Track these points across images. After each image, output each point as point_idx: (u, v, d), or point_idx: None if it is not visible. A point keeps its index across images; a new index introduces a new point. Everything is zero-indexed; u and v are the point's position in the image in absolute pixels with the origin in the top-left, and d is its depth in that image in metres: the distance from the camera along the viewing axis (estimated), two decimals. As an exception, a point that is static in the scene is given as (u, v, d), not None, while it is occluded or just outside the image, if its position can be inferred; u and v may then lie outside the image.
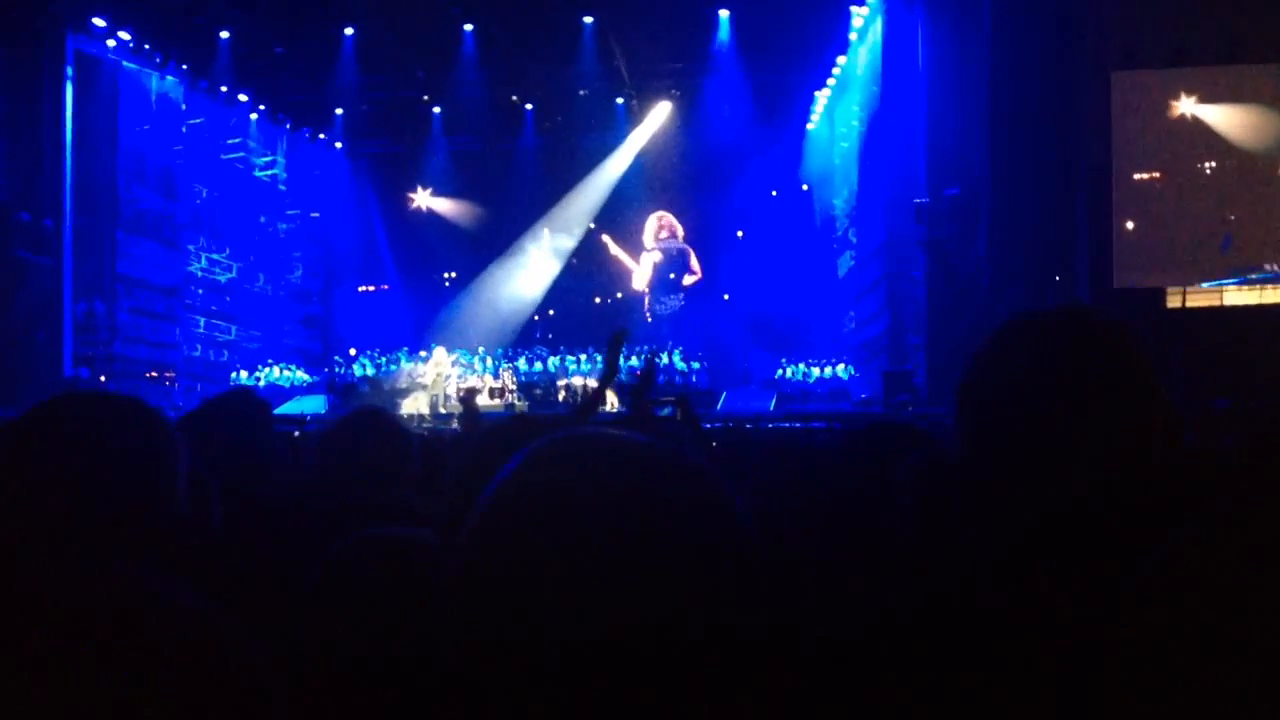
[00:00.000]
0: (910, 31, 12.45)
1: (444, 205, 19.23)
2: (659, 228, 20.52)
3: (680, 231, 20.40)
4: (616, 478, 0.82)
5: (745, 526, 0.84)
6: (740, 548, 0.82)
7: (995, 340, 1.22)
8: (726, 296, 19.13)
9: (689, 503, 0.81)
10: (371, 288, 19.05)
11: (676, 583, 0.78)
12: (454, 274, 19.43)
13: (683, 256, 20.42)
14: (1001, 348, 1.20)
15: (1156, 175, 11.47)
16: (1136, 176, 11.48)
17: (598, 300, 19.95)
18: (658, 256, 20.71)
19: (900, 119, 12.65)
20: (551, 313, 19.04)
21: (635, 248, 20.20)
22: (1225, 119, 11.36)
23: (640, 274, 20.50)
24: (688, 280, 20.42)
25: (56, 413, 1.32)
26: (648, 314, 19.98)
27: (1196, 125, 11.42)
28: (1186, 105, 11.39)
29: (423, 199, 19.20)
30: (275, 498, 2.13)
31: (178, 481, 1.33)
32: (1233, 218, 11.17)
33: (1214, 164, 11.34)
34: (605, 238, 19.99)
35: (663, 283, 20.68)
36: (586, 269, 19.57)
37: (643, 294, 20.35)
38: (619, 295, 20.22)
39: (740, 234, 18.89)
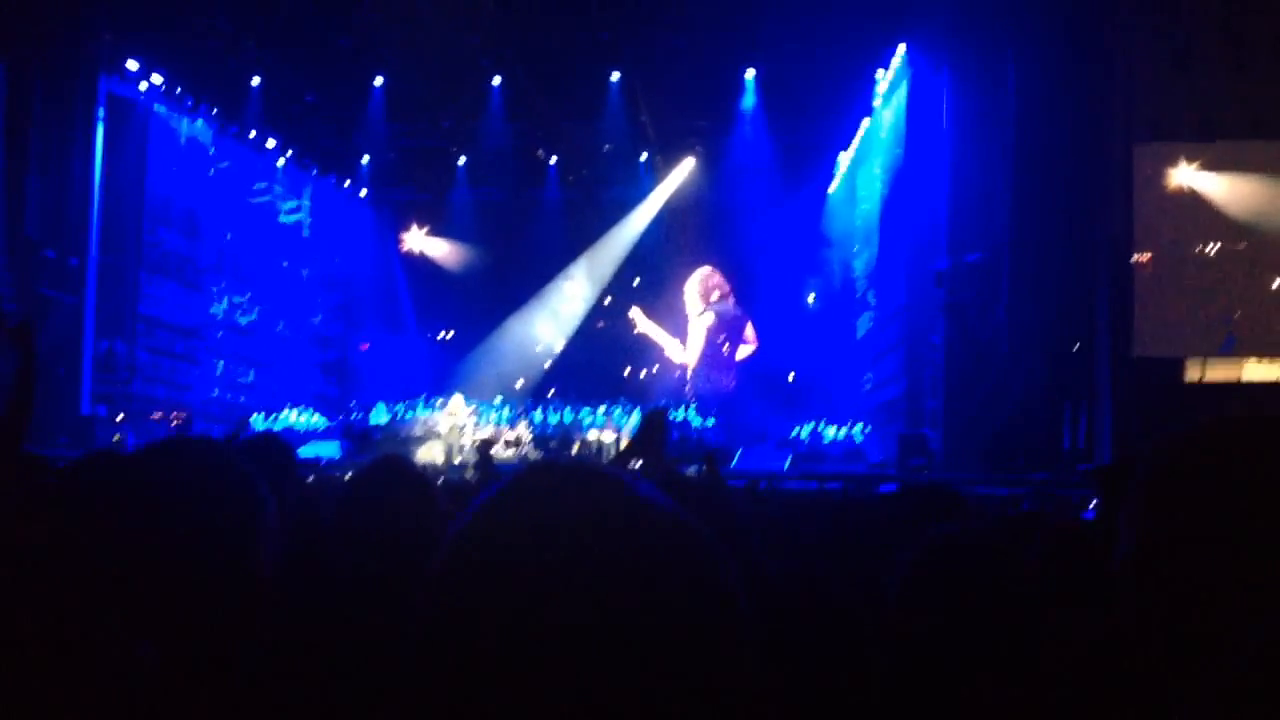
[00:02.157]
0: (935, 96, 12.53)
1: (439, 248, 19.29)
2: (709, 286, 18.28)
3: (729, 291, 18.30)
4: (589, 517, 0.80)
5: (728, 577, 0.82)
6: (722, 599, 0.80)
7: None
8: (792, 376, 17.65)
9: (665, 545, 0.80)
10: (365, 345, 19.10)
11: (647, 631, 0.76)
12: (451, 332, 19.07)
13: (738, 322, 18.21)
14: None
15: (1177, 247, 11.46)
16: (1157, 248, 11.46)
17: (627, 372, 18.40)
18: (710, 319, 18.12)
19: (923, 183, 12.70)
20: (570, 365, 18.87)
21: (666, 314, 18.42)
22: (1242, 194, 11.38)
23: (691, 342, 18.02)
24: (742, 352, 18.11)
25: (166, 459, 1.32)
26: (689, 393, 17.52)
27: (1216, 200, 11.43)
28: (1207, 179, 11.40)
29: (416, 240, 19.27)
30: (298, 544, 2.13)
31: (267, 538, 1.32)
32: (1237, 315, 11.13)
33: (1222, 243, 11.35)
34: (635, 312, 18.24)
35: (714, 355, 18.04)
36: (612, 326, 18.95)
37: (684, 369, 18.04)
38: (655, 368, 18.41)
39: (811, 298, 17.81)
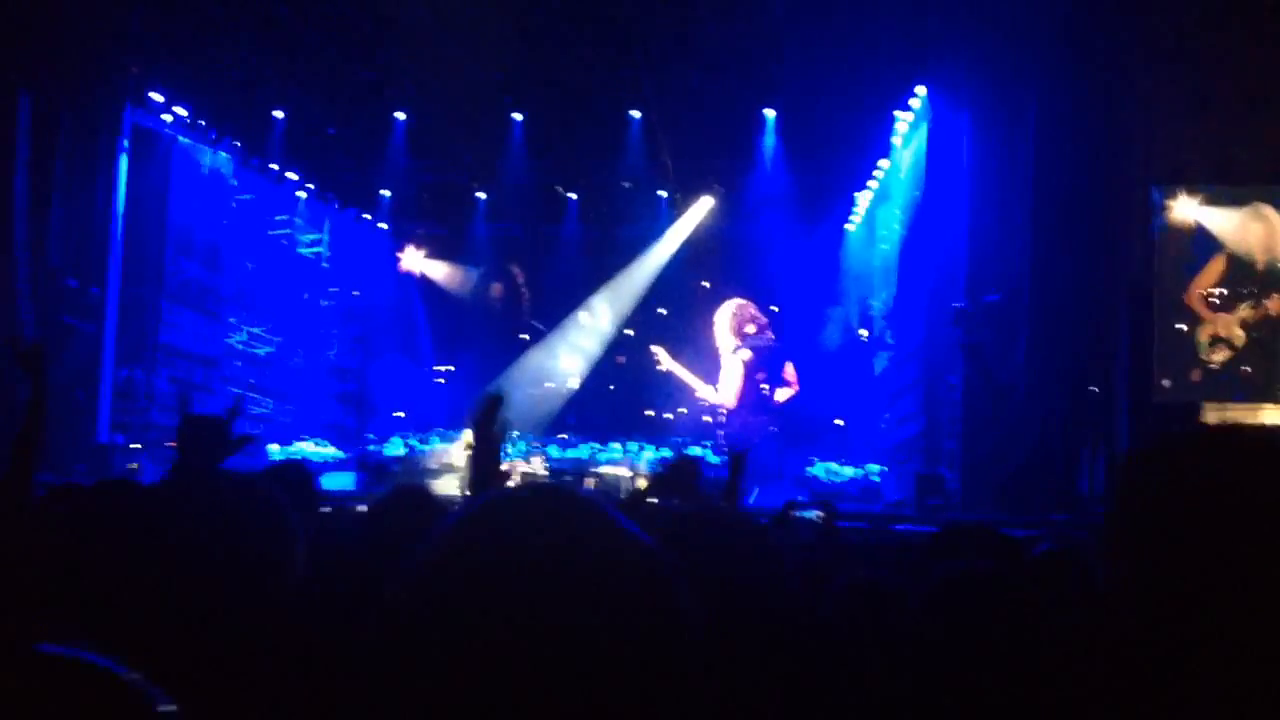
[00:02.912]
0: (955, 138, 12.57)
1: (438, 269, 19.35)
2: (742, 320, 17.45)
3: (766, 324, 17.42)
4: (549, 542, 0.80)
5: (687, 608, 0.82)
6: (677, 626, 0.80)
7: (1170, 455, 1.18)
8: (841, 422, 16.96)
9: (626, 574, 0.80)
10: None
11: (606, 660, 0.77)
12: (451, 368, 18.96)
13: (777, 359, 17.27)
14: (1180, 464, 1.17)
15: (1194, 290, 11.49)
16: (1175, 291, 11.48)
17: (651, 412, 17.68)
18: (747, 355, 17.38)
19: (942, 223, 12.72)
20: (588, 400, 18.76)
21: (686, 352, 17.85)
22: (1258, 238, 11.42)
23: (727, 380, 17.16)
24: (783, 394, 17.08)
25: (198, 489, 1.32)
26: (723, 436, 16.54)
27: (1231, 243, 11.47)
28: (1223, 223, 11.45)
29: (414, 261, 19.32)
30: (316, 574, 2.13)
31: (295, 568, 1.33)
32: (1247, 369, 11.16)
33: (1239, 287, 11.39)
34: (659, 351, 17.55)
35: (753, 396, 17.18)
36: (631, 362, 18.69)
37: (720, 409, 17.13)
38: (681, 410, 17.61)
39: (864, 334, 17.13)
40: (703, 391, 17.35)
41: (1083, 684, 1.32)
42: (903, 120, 14.31)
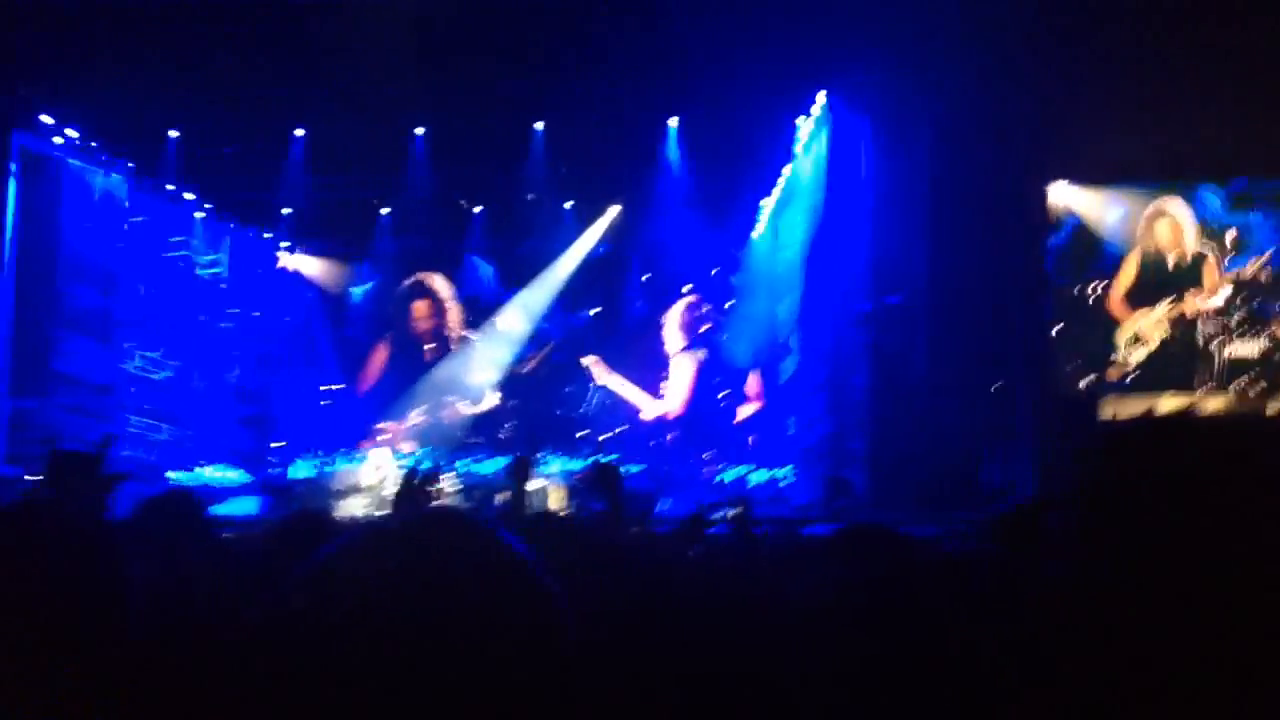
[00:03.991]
0: (855, 142, 12.72)
1: (313, 265, 19.11)
2: (693, 317, 16.43)
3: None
4: (427, 572, 0.79)
5: (561, 619, 0.81)
6: (551, 642, 0.79)
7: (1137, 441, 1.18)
8: (752, 439, 16.24)
9: (503, 597, 0.79)
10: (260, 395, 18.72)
11: (483, 689, 0.75)
12: (341, 385, 18.50)
13: (740, 370, 16.54)
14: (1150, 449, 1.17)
15: (1089, 286, 11.78)
16: (1070, 287, 11.76)
17: (603, 442, 16.32)
18: (702, 354, 16.53)
19: (844, 227, 12.86)
20: (500, 413, 18.48)
21: (628, 360, 17.08)
22: (1147, 234, 11.75)
23: (674, 385, 16.11)
24: (744, 412, 16.20)
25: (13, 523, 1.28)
26: (670, 443, 15.73)
27: (1122, 239, 11.79)
28: (1115, 220, 11.77)
29: (288, 260, 19.08)
30: (213, 602, 2.07)
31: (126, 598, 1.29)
32: (1165, 367, 11.44)
33: (1132, 282, 11.71)
34: (593, 361, 16.80)
35: (709, 407, 16.24)
36: (544, 372, 18.21)
37: (664, 420, 16.22)
38: (623, 428, 16.53)
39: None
40: (647, 407, 16.48)
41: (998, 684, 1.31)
42: (804, 127, 14.45)
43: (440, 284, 18.67)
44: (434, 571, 0.79)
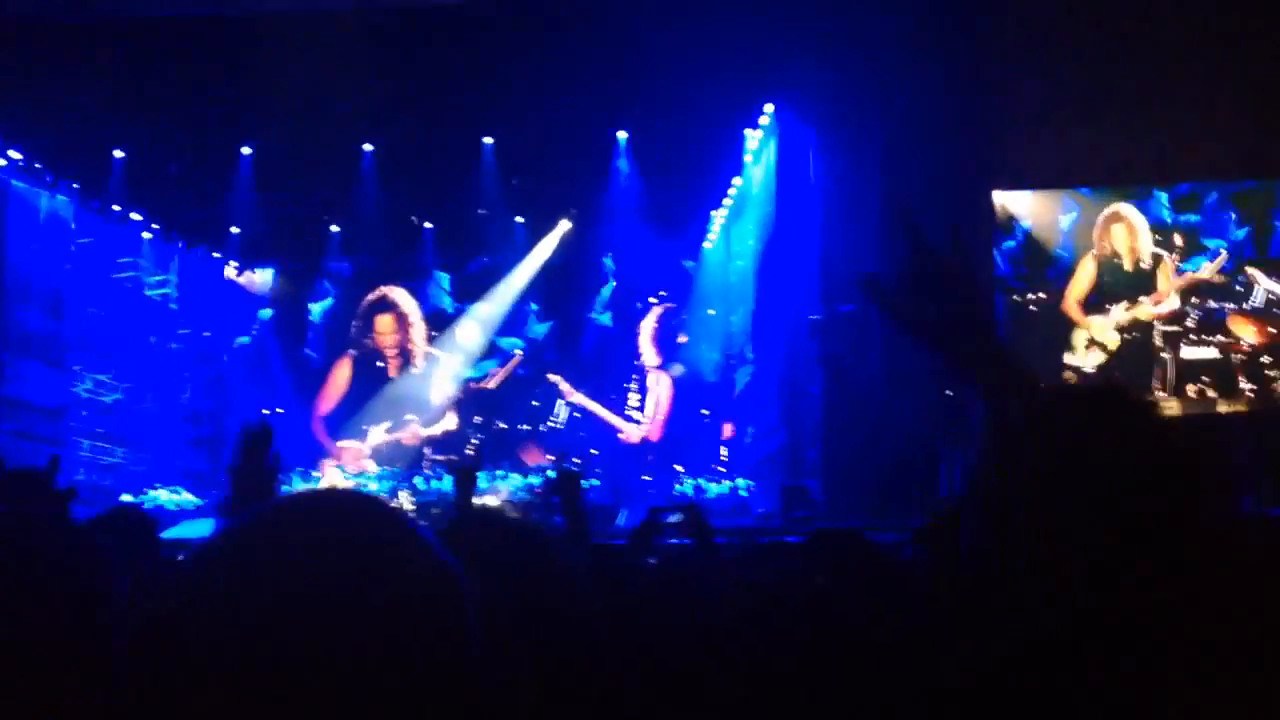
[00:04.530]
0: (803, 152, 12.81)
1: (265, 283, 18.96)
2: (670, 327, 16.03)
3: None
4: (321, 547, 0.77)
5: (469, 610, 0.80)
6: (458, 632, 0.78)
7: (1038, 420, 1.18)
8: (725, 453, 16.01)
9: (406, 585, 0.77)
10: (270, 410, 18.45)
11: (373, 674, 0.74)
12: (280, 409, 17.89)
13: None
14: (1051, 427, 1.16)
15: (1041, 295, 11.91)
16: (1018, 293, 11.88)
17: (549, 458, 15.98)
18: (679, 371, 16.17)
19: (795, 237, 12.94)
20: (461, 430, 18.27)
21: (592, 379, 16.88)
22: (1093, 239, 11.90)
23: (651, 404, 15.80)
24: (730, 429, 15.67)
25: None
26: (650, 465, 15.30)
27: (1069, 244, 11.93)
28: (1061, 224, 11.91)
29: (242, 277, 18.92)
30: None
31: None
32: (1120, 373, 11.53)
33: (1079, 286, 11.84)
34: (558, 380, 16.52)
35: (690, 426, 15.90)
36: (501, 387, 18.02)
37: (644, 443, 15.80)
38: (593, 452, 16.20)
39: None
40: (626, 429, 16.08)
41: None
42: (753, 138, 14.52)
43: (404, 299, 18.52)
44: (314, 553, 0.77)
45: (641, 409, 16.47)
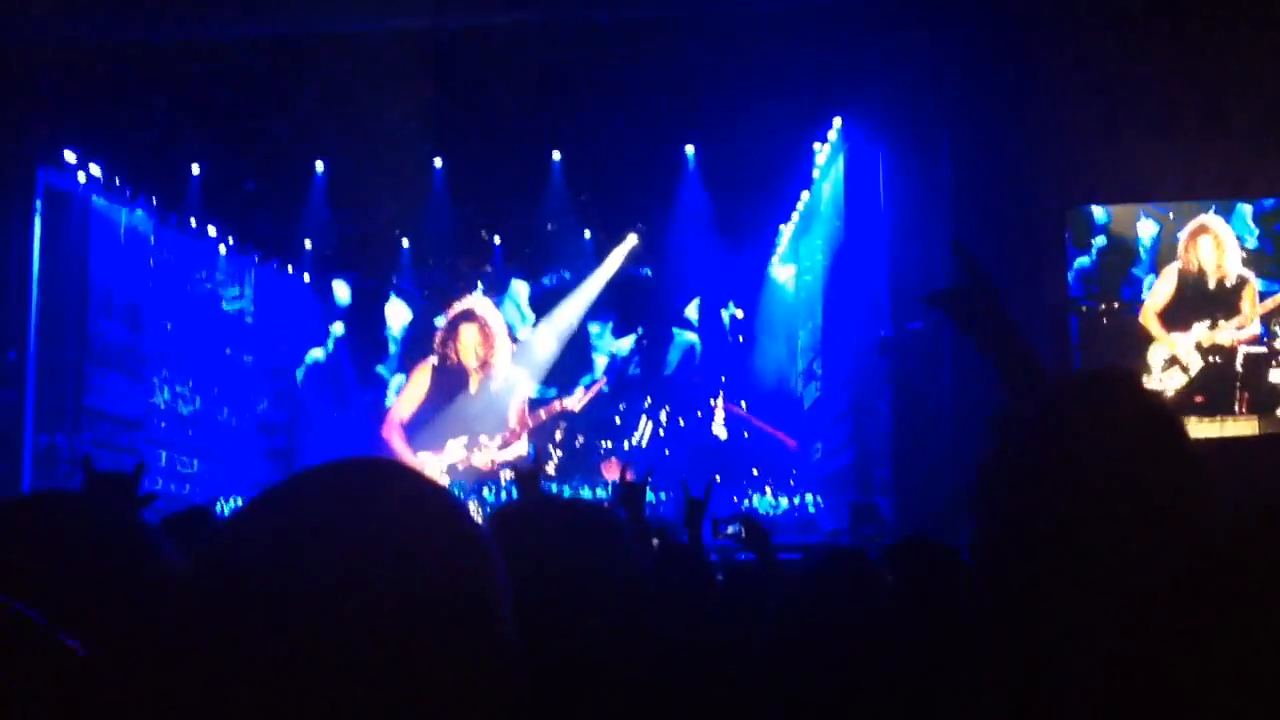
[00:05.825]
0: (872, 167, 12.72)
1: (343, 295, 19.03)
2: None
3: None
4: (351, 511, 0.77)
5: (494, 582, 0.78)
6: (482, 607, 0.77)
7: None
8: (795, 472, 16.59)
9: (431, 553, 0.76)
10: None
11: (397, 642, 0.73)
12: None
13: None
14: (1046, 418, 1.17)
15: (1114, 307, 11.66)
16: (1093, 309, 11.66)
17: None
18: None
19: (864, 253, 12.85)
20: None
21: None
22: (1170, 254, 11.62)
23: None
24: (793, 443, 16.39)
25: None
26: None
27: (1146, 259, 11.67)
28: (1143, 236, 11.64)
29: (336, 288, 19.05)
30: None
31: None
32: (1200, 398, 11.16)
33: (1155, 302, 11.55)
34: (717, 402, 16.96)
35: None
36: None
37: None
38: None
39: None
40: (789, 440, 16.16)
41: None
42: (820, 152, 14.47)
43: (490, 312, 18.41)
44: (334, 514, 0.77)
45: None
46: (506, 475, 16.75)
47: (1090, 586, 1.06)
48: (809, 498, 15.08)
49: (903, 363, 11.82)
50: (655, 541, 3.95)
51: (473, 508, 14.82)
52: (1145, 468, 1.09)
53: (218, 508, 15.65)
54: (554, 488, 15.64)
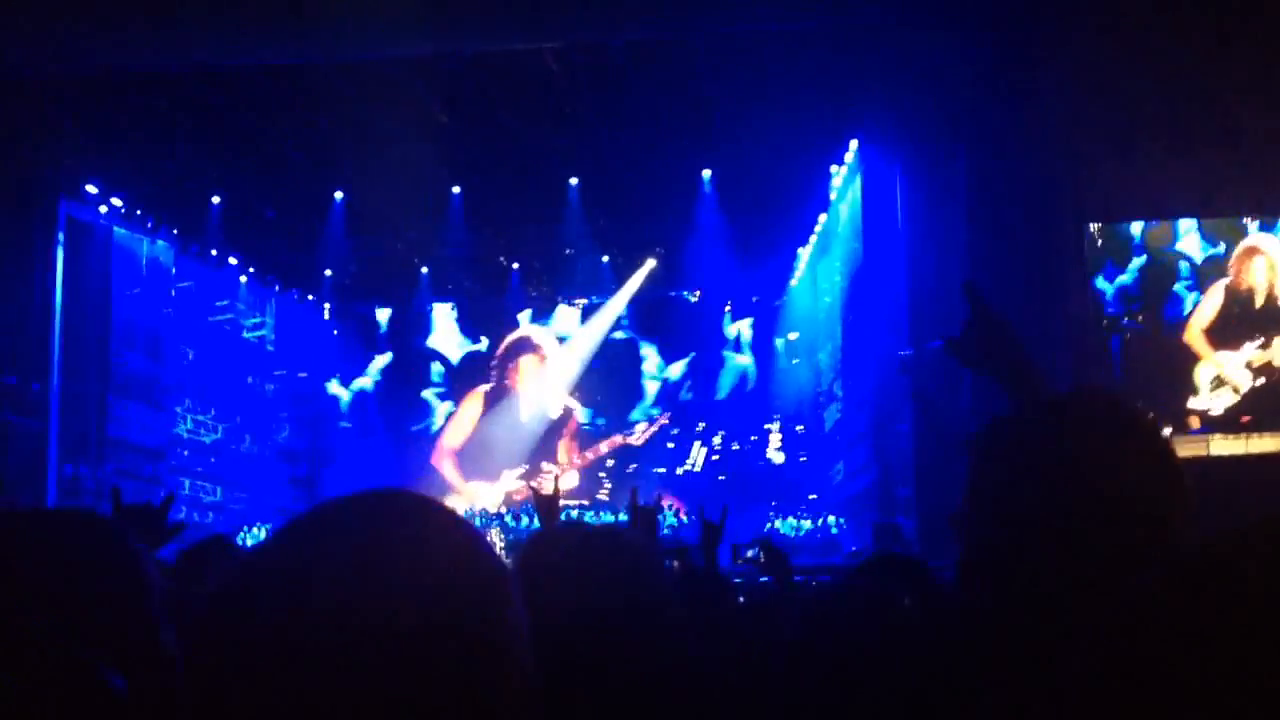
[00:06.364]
0: (889, 188, 12.72)
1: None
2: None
3: None
4: (368, 544, 0.77)
5: (513, 616, 0.79)
6: (502, 638, 0.78)
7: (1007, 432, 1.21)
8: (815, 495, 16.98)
9: (448, 587, 0.77)
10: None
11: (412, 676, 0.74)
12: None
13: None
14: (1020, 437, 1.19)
15: (1137, 323, 11.56)
16: (1114, 327, 11.58)
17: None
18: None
19: (882, 274, 12.83)
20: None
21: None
22: (1192, 271, 11.50)
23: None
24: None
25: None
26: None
27: (1167, 276, 11.54)
28: (1183, 255, 11.48)
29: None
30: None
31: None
32: (1248, 418, 10.92)
33: (1179, 319, 11.42)
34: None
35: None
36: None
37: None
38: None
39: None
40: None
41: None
42: (837, 175, 14.48)
43: (547, 341, 18.35)
44: (349, 545, 0.78)
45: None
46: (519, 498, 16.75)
47: (1080, 591, 1.07)
48: (831, 519, 15.03)
49: (923, 381, 11.79)
50: (675, 564, 3.96)
51: (495, 535, 14.85)
52: (1128, 479, 1.11)
53: (240, 536, 15.70)
54: (573, 514, 15.61)
